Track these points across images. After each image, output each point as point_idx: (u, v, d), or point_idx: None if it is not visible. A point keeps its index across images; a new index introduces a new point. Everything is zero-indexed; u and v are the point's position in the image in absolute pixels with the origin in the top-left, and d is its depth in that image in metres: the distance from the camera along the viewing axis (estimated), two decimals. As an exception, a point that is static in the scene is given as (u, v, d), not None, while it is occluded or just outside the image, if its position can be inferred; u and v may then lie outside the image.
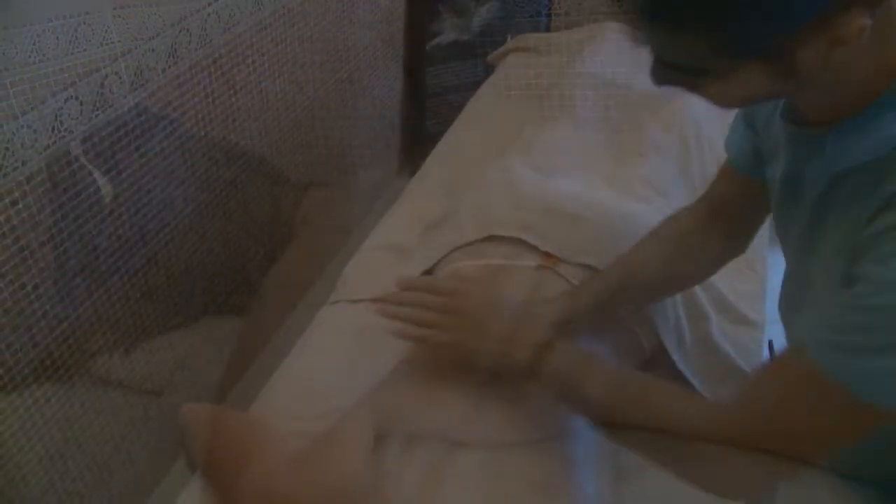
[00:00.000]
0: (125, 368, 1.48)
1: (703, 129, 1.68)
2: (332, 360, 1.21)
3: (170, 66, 1.39)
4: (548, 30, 2.44)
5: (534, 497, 0.90)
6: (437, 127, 2.19)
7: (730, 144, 1.04)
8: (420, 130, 2.60)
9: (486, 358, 0.96)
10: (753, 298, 1.35)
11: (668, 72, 0.75)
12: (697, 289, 1.23)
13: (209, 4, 1.47)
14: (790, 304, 0.94)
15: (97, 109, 1.23)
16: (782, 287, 0.95)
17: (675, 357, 1.15)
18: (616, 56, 1.88)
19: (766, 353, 1.21)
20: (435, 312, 1.01)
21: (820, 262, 0.82)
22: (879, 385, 0.70)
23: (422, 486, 0.91)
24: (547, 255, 1.21)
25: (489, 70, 2.23)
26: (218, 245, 1.67)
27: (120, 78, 1.26)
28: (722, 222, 1.08)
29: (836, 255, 0.77)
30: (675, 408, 0.88)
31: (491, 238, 1.24)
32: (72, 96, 1.17)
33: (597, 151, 1.58)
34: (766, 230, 1.67)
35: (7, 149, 1.08)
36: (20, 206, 1.13)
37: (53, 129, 1.15)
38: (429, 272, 1.29)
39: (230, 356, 1.88)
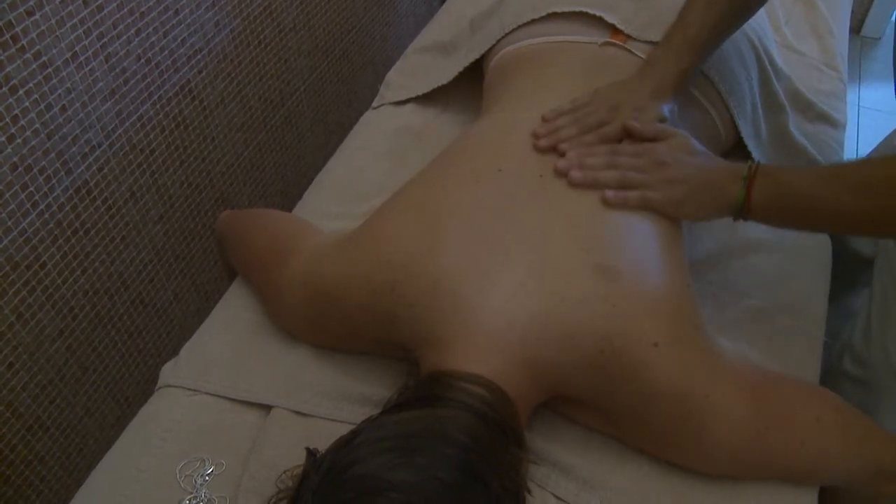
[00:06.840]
0: (163, 201, 1.44)
1: None
2: (375, 160, 1.14)
3: None
4: None
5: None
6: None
7: None
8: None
9: (700, 205, 0.87)
10: (833, 97, 1.24)
11: None
12: (773, 79, 1.12)
13: None
14: None
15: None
16: None
17: (751, 147, 1.06)
18: None
19: (847, 153, 1.11)
20: (633, 169, 0.89)
21: None
22: None
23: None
24: (615, 31, 1.08)
25: None
26: (255, 76, 1.59)
27: None
28: None
29: None
30: None
31: (549, 17, 1.09)
32: None
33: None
34: (844, 39, 1.53)
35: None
36: (37, 16, 1.05)
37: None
38: (477, 63, 1.17)
39: (275, 189, 1.84)
